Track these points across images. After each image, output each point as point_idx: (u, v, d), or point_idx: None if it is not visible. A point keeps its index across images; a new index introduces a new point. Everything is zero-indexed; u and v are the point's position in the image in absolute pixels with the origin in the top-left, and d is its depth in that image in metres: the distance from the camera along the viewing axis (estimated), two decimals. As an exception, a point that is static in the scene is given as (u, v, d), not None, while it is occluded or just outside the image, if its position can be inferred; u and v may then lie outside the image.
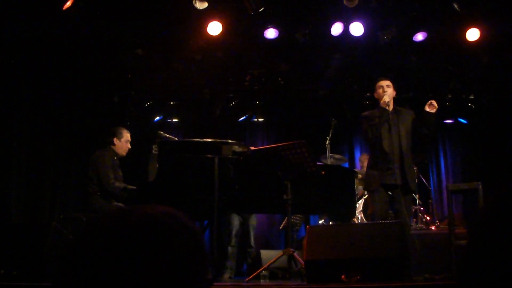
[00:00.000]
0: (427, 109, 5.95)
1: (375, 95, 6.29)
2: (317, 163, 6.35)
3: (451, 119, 10.86)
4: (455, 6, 7.52)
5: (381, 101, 6.04)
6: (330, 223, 7.86)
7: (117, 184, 6.41)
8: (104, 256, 0.91)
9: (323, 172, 6.01)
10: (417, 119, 6.13)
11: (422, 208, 8.48)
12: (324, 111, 10.09)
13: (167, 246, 0.94)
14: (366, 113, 6.23)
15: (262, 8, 7.40)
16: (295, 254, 5.61)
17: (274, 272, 6.75)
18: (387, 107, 5.99)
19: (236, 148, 5.99)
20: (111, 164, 6.54)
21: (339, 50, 8.80)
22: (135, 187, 6.35)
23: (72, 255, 0.95)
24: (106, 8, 7.48)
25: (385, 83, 6.19)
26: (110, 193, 6.38)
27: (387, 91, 6.09)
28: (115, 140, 6.72)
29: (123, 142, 6.75)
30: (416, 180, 7.43)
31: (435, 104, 5.93)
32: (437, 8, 7.81)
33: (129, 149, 6.86)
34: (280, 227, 8.73)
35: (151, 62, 8.83)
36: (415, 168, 7.31)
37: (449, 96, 10.34)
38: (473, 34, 8.00)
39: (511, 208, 0.88)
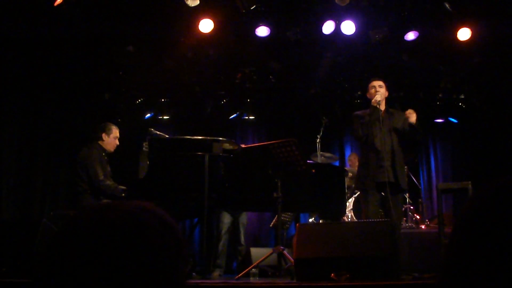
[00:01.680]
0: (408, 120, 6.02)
1: (368, 95, 6.33)
2: (308, 161, 6.35)
3: (441, 119, 10.88)
4: (447, 5, 7.54)
5: (372, 100, 6.08)
6: (320, 221, 7.87)
7: (107, 182, 6.37)
8: (82, 252, 0.91)
9: (313, 170, 6.02)
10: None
11: (412, 207, 8.51)
12: (315, 110, 10.11)
13: (145, 241, 0.93)
14: (358, 112, 6.30)
15: (254, 6, 7.40)
16: (285, 252, 5.60)
17: (264, 270, 6.74)
18: (378, 106, 6.02)
19: (227, 146, 5.99)
20: (99, 160, 6.48)
21: (331, 49, 8.80)
22: (125, 187, 6.32)
23: (51, 251, 0.94)
24: (97, 5, 7.45)
25: (377, 83, 6.24)
26: (101, 191, 6.33)
27: (379, 91, 6.14)
28: (103, 135, 6.66)
29: (112, 138, 6.69)
30: (406, 179, 7.46)
31: (411, 114, 5.99)
32: (428, 7, 7.82)
33: (118, 146, 6.81)
34: (270, 225, 8.73)
35: (142, 59, 8.79)
36: (405, 167, 7.34)
37: (440, 95, 10.38)
38: (464, 34, 8.01)
39: (495, 207, 0.88)
